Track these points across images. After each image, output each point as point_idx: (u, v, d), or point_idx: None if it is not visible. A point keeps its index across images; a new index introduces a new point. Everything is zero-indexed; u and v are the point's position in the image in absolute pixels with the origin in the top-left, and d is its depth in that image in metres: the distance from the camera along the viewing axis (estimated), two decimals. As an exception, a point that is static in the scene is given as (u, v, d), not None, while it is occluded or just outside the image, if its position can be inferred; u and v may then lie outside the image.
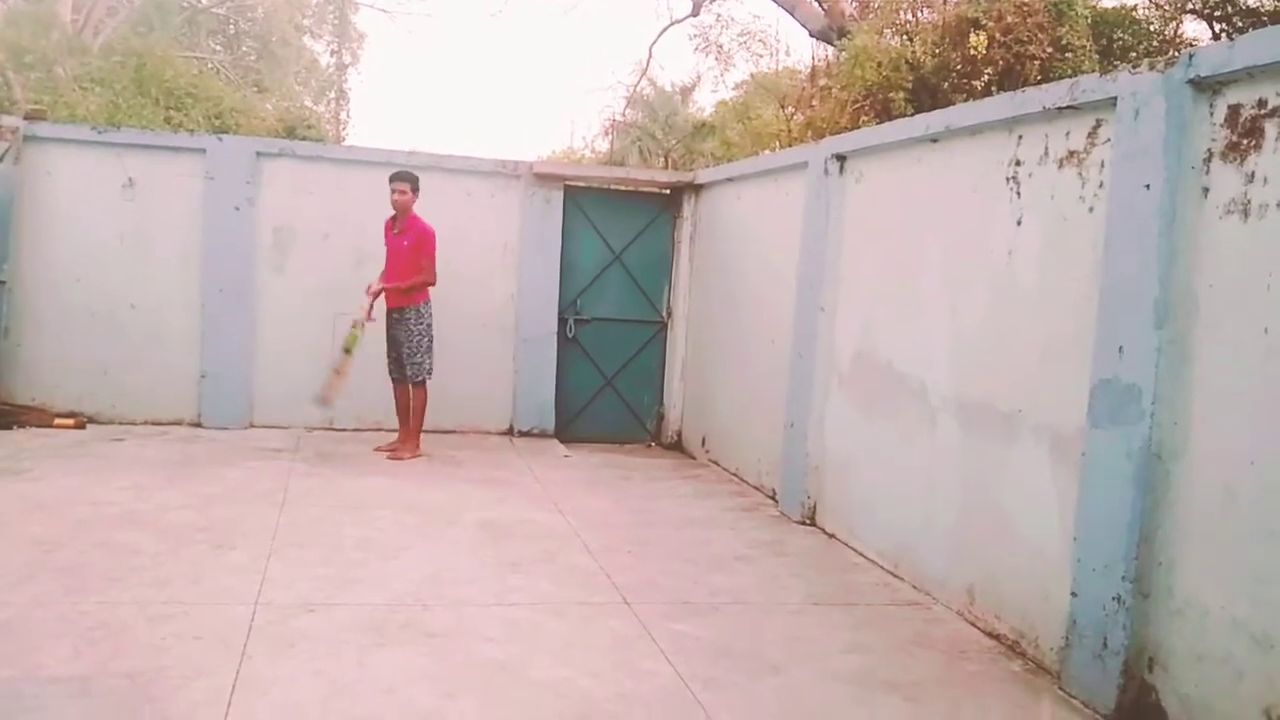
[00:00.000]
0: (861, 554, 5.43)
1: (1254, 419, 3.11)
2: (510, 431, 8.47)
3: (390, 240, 7.18)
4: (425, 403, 7.24)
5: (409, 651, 3.71)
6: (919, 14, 11.13)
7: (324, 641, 3.74)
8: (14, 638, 3.58)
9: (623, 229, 8.70)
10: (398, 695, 3.33)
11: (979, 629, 4.35)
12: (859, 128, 9.16)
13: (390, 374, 7.28)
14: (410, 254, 7.04)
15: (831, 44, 12.74)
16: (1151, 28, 10.95)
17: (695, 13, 17.48)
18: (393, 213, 7.11)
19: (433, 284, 7.08)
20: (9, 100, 11.46)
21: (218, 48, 20.41)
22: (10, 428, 7.21)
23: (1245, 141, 3.21)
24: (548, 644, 3.88)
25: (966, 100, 8.85)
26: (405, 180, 7.03)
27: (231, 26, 20.83)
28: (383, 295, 7.07)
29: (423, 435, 7.41)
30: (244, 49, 20.80)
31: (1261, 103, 3.16)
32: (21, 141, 7.41)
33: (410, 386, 7.21)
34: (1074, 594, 3.71)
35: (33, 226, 7.54)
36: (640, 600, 4.45)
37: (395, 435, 7.60)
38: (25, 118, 7.84)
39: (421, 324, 7.08)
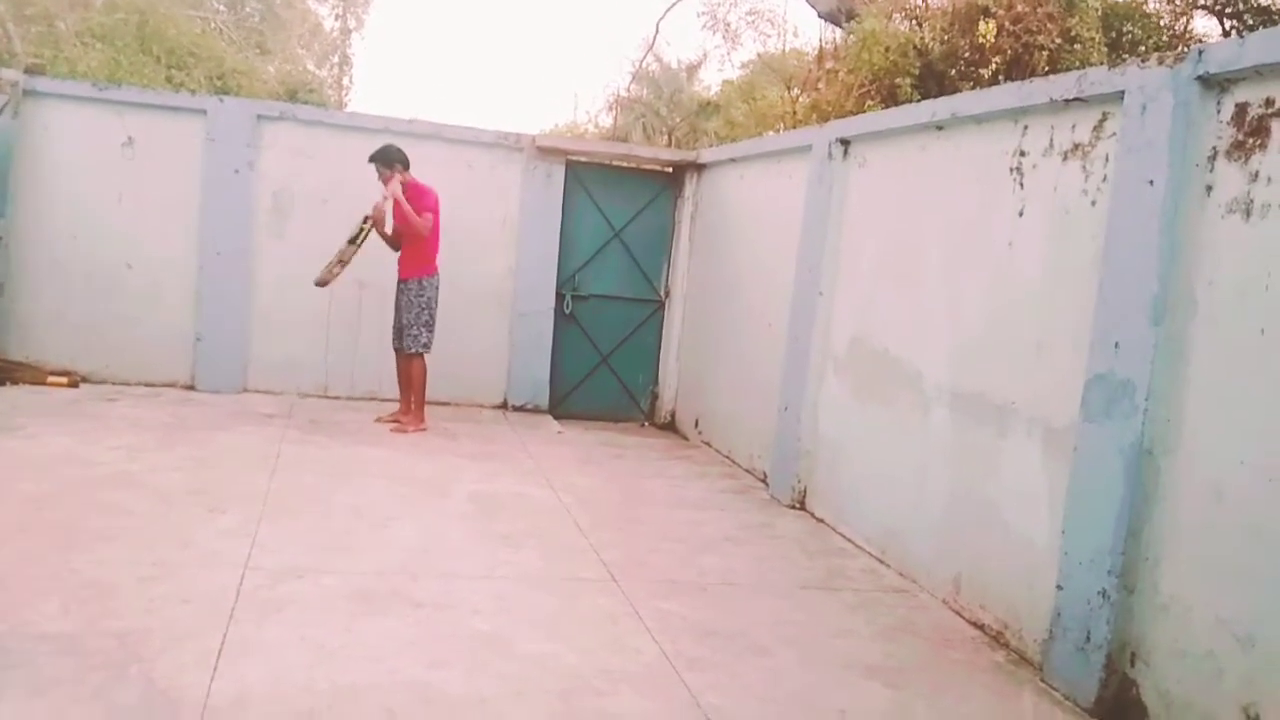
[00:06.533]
0: (850, 539, 5.46)
1: (1246, 419, 3.12)
2: (504, 406, 8.47)
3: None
4: (423, 377, 7.20)
5: (396, 621, 3.73)
6: (929, -1, 11.06)
7: (312, 608, 3.76)
8: (3, 592, 3.59)
9: (623, 206, 8.67)
10: (384, 664, 3.35)
11: (964, 618, 4.38)
12: (864, 112, 9.12)
13: (393, 343, 7.28)
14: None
15: (840, 26, 12.66)
16: (1161, 22, 10.89)
17: (704, -11, 17.34)
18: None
19: (423, 234, 6.94)
20: (9, 53, 11.34)
21: (221, 7, 20.17)
22: (4, 384, 7.20)
23: (1251, 140, 3.20)
24: (535, 618, 3.90)
25: (973, 88, 8.81)
26: (374, 160, 6.98)
27: (236, -14, 20.60)
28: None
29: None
30: (247, 10, 20.57)
31: (1269, 102, 3.15)
32: (21, 96, 7.35)
33: (404, 356, 7.20)
34: (1059, 587, 3.73)
35: (30, 182, 7.50)
36: (628, 578, 4.47)
37: (390, 405, 7.62)
38: (25, 71, 7.77)
39: (423, 297, 7.04)
